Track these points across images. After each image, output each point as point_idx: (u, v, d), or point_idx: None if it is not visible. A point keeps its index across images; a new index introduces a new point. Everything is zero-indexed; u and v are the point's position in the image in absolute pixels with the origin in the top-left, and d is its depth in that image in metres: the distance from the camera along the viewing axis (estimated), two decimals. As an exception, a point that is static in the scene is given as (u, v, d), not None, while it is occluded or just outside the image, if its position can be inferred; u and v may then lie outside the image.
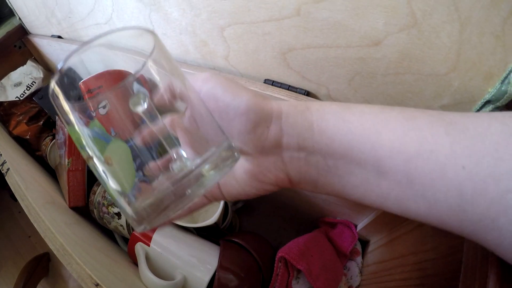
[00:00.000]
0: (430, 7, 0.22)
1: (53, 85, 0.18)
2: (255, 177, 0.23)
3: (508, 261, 0.16)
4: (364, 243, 0.51)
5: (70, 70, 0.19)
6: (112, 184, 0.18)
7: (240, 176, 0.24)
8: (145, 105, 0.19)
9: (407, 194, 0.18)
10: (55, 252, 0.34)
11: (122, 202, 0.18)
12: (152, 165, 0.19)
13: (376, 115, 0.19)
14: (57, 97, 0.18)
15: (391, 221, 0.42)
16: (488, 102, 0.25)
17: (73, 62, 0.18)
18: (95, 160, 0.18)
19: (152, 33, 0.19)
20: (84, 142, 0.18)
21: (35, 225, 0.38)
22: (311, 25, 0.29)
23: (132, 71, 0.18)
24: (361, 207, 0.45)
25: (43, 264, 0.89)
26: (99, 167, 0.18)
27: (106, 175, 0.18)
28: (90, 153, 0.18)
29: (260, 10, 0.31)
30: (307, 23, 0.29)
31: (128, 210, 0.18)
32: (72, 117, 0.18)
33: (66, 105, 0.18)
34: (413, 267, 0.34)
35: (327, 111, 0.20)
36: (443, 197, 0.16)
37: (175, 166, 0.19)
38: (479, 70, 0.23)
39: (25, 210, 0.41)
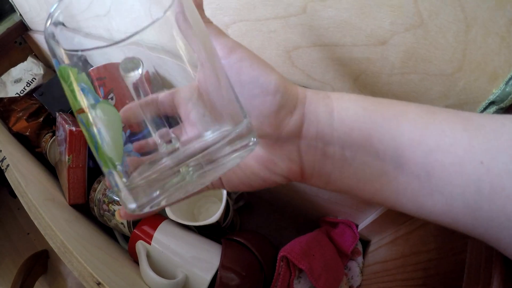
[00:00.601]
0: (436, 7, 0.22)
1: (49, 24, 0.17)
2: (265, 166, 0.22)
3: None
4: (365, 243, 0.51)
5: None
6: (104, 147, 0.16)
7: (248, 163, 0.22)
8: (138, 74, 0.17)
9: (425, 189, 0.17)
10: (55, 250, 0.33)
11: (112, 172, 0.16)
12: (148, 140, 0.17)
13: (394, 106, 0.19)
14: (54, 37, 0.17)
15: (392, 221, 0.42)
16: (492, 103, 0.24)
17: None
18: (87, 114, 0.16)
19: None
20: (77, 93, 0.16)
21: (35, 222, 0.38)
22: (317, 23, 0.29)
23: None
24: (363, 206, 0.45)
25: (42, 261, 0.89)
26: (92, 124, 0.16)
27: (98, 135, 0.15)
28: (82, 104, 0.16)
29: (265, 7, 0.31)
30: (313, 21, 0.29)
31: (120, 182, 0.15)
32: (66, 58, 0.16)
33: (61, 48, 0.16)
34: (415, 267, 0.34)
35: (347, 99, 0.20)
36: (461, 193, 0.16)
37: (168, 145, 0.17)
38: (484, 71, 0.23)
39: (25, 207, 0.40)
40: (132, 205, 0.15)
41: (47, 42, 0.17)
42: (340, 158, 0.20)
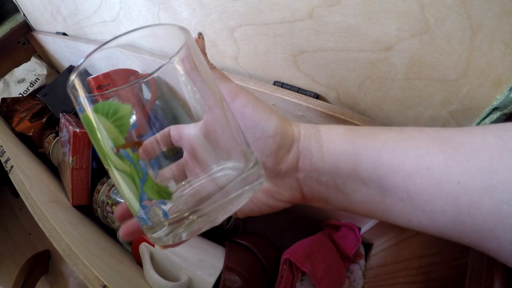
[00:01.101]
0: (442, 14, 0.22)
1: (74, 79, 0.17)
2: (271, 195, 0.24)
3: (509, 265, 0.17)
4: (367, 246, 0.51)
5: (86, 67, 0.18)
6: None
7: (256, 195, 0.25)
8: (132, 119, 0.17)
9: (408, 208, 0.19)
10: (60, 252, 0.33)
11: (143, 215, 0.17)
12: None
13: (376, 137, 0.21)
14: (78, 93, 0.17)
15: (395, 225, 0.42)
16: (495, 109, 0.25)
17: (91, 60, 0.17)
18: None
19: (184, 30, 0.18)
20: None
21: (40, 224, 0.38)
22: (323, 29, 0.29)
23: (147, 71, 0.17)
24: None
25: (43, 261, 0.89)
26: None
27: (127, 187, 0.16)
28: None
29: (272, 11, 0.31)
30: (319, 26, 0.29)
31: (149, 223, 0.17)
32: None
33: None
34: (417, 271, 0.34)
35: (334, 134, 0.22)
36: (441, 211, 0.17)
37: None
38: (488, 77, 0.23)
39: (30, 209, 0.40)
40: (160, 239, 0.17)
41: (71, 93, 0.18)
42: (333, 185, 0.22)
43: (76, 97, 0.17)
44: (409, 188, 0.18)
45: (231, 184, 0.17)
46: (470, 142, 0.17)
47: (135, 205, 0.17)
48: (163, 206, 0.17)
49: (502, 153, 0.16)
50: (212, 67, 0.23)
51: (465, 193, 0.16)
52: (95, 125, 0.16)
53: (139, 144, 0.17)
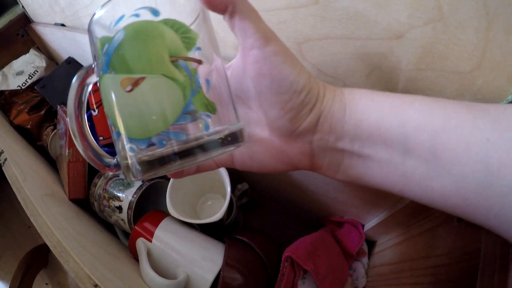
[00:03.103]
0: (458, 1, 0.21)
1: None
2: (276, 157, 0.23)
3: None
4: (371, 244, 0.50)
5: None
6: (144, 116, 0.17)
7: (259, 151, 0.24)
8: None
9: (433, 171, 0.18)
10: (51, 249, 0.32)
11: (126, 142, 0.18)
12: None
13: (401, 97, 0.20)
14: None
15: (400, 223, 0.41)
16: (510, 103, 0.23)
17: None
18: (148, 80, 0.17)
19: None
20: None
21: (32, 219, 0.37)
22: (329, 15, 0.27)
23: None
24: (370, 207, 0.44)
25: (43, 255, 0.89)
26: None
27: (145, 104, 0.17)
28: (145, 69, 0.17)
29: (276, -3, 0.30)
30: (325, 12, 0.27)
31: (130, 155, 0.18)
32: None
33: None
34: (424, 272, 0.33)
35: (357, 92, 0.21)
36: (469, 172, 0.16)
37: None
38: (504, 70, 0.22)
39: (22, 203, 0.40)
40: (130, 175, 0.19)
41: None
42: (350, 150, 0.21)
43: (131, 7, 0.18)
44: (436, 147, 0.17)
45: (209, 138, 0.18)
46: (494, 108, 0.17)
47: (173, 114, 0.17)
48: (206, 117, 0.18)
49: None
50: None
51: (494, 151, 0.16)
52: (159, 32, 0.18)
53: (199, 62, 0.19)
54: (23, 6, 0.92)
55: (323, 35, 0.29)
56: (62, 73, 0.71)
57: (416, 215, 0.36)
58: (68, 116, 0.20)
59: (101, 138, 0.48)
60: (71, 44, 0.75)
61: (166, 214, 0.46)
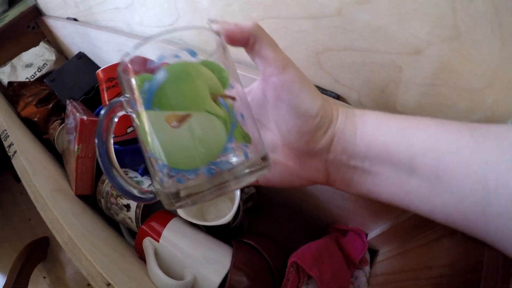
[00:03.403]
0: (474, 21, 0.22)
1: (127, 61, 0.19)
2: (295, 174, 0.25)
3: None
4: (373, 253, 0.50)
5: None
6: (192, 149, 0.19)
7: (280, 170, 0.25)
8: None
9: (435, 190, 0.19)
10: (62, 246, 0.32)
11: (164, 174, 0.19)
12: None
13: (409, 120, 0.21)
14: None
15: (403, 234, 0.41)
16: None
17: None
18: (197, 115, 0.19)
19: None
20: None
21: (42, 214, 0.36)
22: (350, 27, 0.28)
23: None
24: (374, 216, 0.44)
25: (42, 248, 0.89)
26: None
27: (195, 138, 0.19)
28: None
29: (298, 6, 0.30)
30: (347, 24, 0.28)
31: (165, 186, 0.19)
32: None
33: None
34: (427, 282, 0.33)
35: (368, 115, 0.23)
36: (469, 191, 0.18)
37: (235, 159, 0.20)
38: None
39: (32, 197, 0.39)
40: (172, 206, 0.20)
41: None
42: (360, 168, 0.23)
43: (174, 52, 0.20)
44: (439, 167, 0.19)
45: (239, 168, 0.19)
46: (497, 129, 0.18)
47: (219, 146, 0.19)
48: (245, 147, 0.20)
49: None
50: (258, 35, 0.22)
51: (493, 172, 0.17)
52: (200, 73, 0.19)
53: (234, 98, 0.21)
54: None
55: (343, 46, 0.30)
56: (72, 67, 0.71)
57: (421, 226, 0.36)
58: (99, 154, 0.21)
59: (112, 135, 0.48)
60: (83, 39, 0.75)
61: (173, 214, 0.46)
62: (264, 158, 0.21)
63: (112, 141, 0.21)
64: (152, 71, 0.19)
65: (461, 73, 0.25)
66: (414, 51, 0.26)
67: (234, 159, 0.20)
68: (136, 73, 0.19)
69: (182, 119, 0.18)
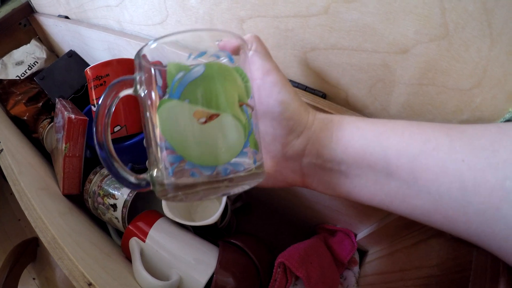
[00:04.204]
0: (463, 20, 0.21)
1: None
2: (273, 174, 0.26)
3: None
4: (362, 253, 0.50)
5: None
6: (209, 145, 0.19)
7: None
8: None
9: (413, 191, 0.19)
10: (45, 245, 0.31)
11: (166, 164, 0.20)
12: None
13: (385, 124, 0.22)
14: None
15: (392, 234, 0.42)
16: (507, 121, 0.24)
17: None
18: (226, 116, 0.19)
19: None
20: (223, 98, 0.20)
21: (26, 213, 0.36)
22: (338, 25, 0.28)
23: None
24: (363, 216, 0.44)
25: (31, 249, 0.88)
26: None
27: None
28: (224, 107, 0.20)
29: (286, 4, 0.30)
30: (334, 23, 0.28)
31: (169, 177, 0.20)
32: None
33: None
34: (415, 282, 0.33)
35: (346, 121, 0.23)
36: (446, 190, 0.18)
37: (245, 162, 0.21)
38: (503, 89, 0.23)
39: (16, 196, 0.39)
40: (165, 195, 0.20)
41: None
42: (337, 171, 0.23)
43: (219, 54, 0.21)
44: (415, 168, 0.19)
45: (238, 174, 0.20)
46: (473, 128, 0.18)
47: (236, 149, 0.20)
48: (255, 154, 0.21)
49: (502, 137, 0.17)
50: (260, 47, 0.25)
51: (470, 170, 0.17)
52: (234, 78, 0.20)
53: (253, 108, 0.22)
54: None
55: (330, 45, 0.30)
56: (62, 66, 0.71)
57: (409, 226, 0.36)
58: (95, 126, 0.21)
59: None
60: (74, 37, 0.75)
61: (160, 214, 0.45)
62: (263, 166, 0.23)
63: (110, 123, 0.21)
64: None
65: (449, 73, 0.25)
66: (402, 50, 0.26)
67: (246, 163, 0.21)
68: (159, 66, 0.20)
69: (210, 117, 0.19)
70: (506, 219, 0.16)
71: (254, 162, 0.21)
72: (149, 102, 0.20)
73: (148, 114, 0.20)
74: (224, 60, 0.21)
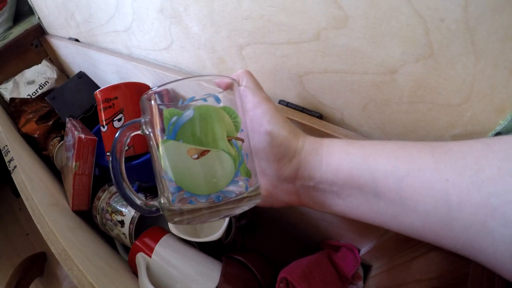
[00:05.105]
0: (447, 39, 0.22)
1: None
2: (270, 195, 0.28)
3: (507, 277, 0.17)
4: (366, 268, 0.50)
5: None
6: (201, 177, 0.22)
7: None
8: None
9: (401, 210, 0.20)
10: (56, 256, 0.33)
11: (172, 194, 0.22)
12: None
13: (373, 146, 0.23)
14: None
15: (395, 248, 0.42)
16: (498, 134, 0.25)
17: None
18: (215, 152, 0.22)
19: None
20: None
21: (38, 227, 0.38)
22: (329, 50, 0.29)
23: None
24: (365, 231, 0.44)
25: (39, 263, 0.88)
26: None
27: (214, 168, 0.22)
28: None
29: (280, 32, 0.32)
30: (325, 48, 0.29)
31: (173, 204, 0.23)
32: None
33: None
34: (417, 296, 0.33)
35: (335, 147, 0.25)
36: (432, 208, 0.18)
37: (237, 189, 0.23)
38: (492, 102, 0.23)
39: (29, 211, 0.40)
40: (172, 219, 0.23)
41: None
42: (329, 191, 0.25)
43: (203, 96, 0.23)
44: (402, 189, 0.20)
45: (235, 198, 0.23)
46: (459, 147, 0.19)
47: (228, 179, 0.23)
48: (246, 181, 0.24)
49: (487, 154, 0.17)
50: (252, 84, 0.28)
51: (454, 189, 0.17)
52: (221, 117, 0.23)
53: (242, 140, 0.24)
54: (39, 18, 0.94)
55: (323, 69, 0.31)
56: (72, 86, 0.73)
57: (409, 240, 0.36)
58: (111, 166, 0.24)
59: (108, 154, 0.50)
60: (84, 60, 0.77)
61: (166, 231, 0.47)
62: (257, 189, 0.25)
63: (124, 156, 0.25)
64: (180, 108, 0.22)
65: (438, 90, 0.25)
66: (390, 71, 0.27)
67: (237, 190, 0.23)
68: (164, 105, 0.23)
69: (201, 153, 0.22)
70: (492, 235, 0.16)
71: (246, 188, 0.23)
72: (152, 141, 0.23)
73: (153, 150, 0.24)
74: (211, 102, 0.23)
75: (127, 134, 0.24)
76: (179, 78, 0.24)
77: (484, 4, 0.20)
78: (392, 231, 0.22)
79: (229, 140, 0.23)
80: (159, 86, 0.23)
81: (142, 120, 0.24)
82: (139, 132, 0.24)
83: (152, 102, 0.23)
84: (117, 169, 0.24)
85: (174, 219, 0.23)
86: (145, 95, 0.24)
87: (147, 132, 0.24)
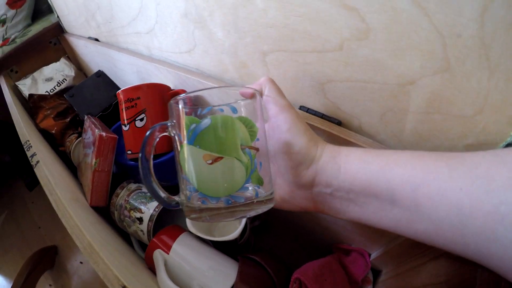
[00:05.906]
0: (463, 54, 0.23)
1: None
2: (287, 201, 0.29)
3: None
4: (376, 273, 0.51)
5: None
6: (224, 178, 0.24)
7: (277, 198, 0.29)
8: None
9: (415, 217, 0.21)
10: (82, 250, 0.34)
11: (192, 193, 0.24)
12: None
13: (390, 156, 0.24)
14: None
15: (405, 253, 0.42)
16: (509, 144, 0.25)
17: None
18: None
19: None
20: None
21: (63, 221, 0.39)
22: (351, 60, 0.30)
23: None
24: (376, 236, 0.45)
25: (50, 256, 0.90)
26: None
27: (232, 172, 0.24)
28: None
29: (304, 40, 0.33)
30: (348, 58, 0.30)
31: (190, 202, 0.25)
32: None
33: None
34: (426, 300, 0.34)
35: (352, 155, 0.26)
36: (445, 216, 0.19)
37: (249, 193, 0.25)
38: (504, 114, 0.24)
39: (53, 205, 0.42)
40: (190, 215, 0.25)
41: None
42: (346, 199, 0.26)
43: (220, 106, 0.25)
44: (417, 197, 0.21)
45: (242, 203, 0.24)
46: (471, 157, 0.20)
47: (238, 185, 0.24)
48: (257, 188, 0.25)
49: (498, 165, 0.18)
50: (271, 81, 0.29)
51: (466, 197, 0.18)
52: (236, 127, 0.25)
53: (257, 149, 0.26)
54: (58, 16, 0.96)
55: (344, 78, 0.32)
56: (91, 85, 0.75)
57: (420, 245, 0.37)
58: (141, 162, 0.26)
59: (129, 152, 0.51)
60: (103, 59, 0.79)
61: (183, 229, 0.48)
62: (269, 195, 0.26)
63: (152, 155, 0.26)
64: (200, 116, 0.25)
65: (453, 102, 0.26)
66: (409, 82, 0.28)
67: (247, 195, 0.25)
68: (186, 112, 0.25)
69: (215, 159, 0.24)
70: (501, 241, 0.17)
71: (256, 195, 0.25)
72: (176, 143, 0.26)
73: (176, 152, 0.26)
74: (227, 112, 0.25)
75: (156, 135, 0.26)
76: (208, 86, 0.26)
77: (499, 21, 0.20)
78: (404, 236, 0.23)
79: (243, 149, 0.25)
80: (187, 93, 0.26)
81: (169, 124, 0.26)
82: (166, 133, 0.26)
83: (180, 106, 0.25)
84: (146, 166, 0.26)
85: (191, 215, 0.25)
86: (173, 100, 0.26)
87: (173, 134, 0.26)
